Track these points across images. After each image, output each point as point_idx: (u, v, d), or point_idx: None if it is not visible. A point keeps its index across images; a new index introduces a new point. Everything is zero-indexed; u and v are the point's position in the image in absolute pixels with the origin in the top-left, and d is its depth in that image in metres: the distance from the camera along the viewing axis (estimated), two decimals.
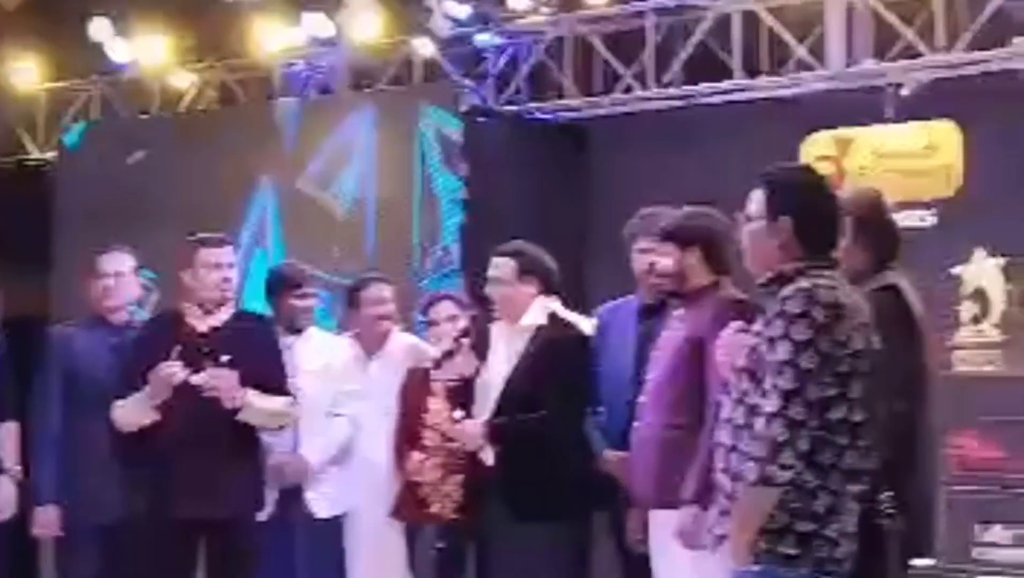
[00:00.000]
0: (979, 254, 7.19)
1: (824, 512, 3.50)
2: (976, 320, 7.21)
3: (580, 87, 8.36)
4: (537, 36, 8.44)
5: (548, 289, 5.21)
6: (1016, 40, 7.05)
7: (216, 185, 8.56)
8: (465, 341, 5.26)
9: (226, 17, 9.07)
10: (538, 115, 8.42)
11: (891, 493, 3.80)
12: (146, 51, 9.33)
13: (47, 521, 5.47)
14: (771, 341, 3.52)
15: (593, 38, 8.29)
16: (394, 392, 5.68)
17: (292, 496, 5.53)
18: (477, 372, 5.26)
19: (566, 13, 8.34)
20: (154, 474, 5.23)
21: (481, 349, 5.27)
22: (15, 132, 10.00)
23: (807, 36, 7.67)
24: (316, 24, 8.75)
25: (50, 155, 9.75)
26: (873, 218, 4.22)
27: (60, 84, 9.87)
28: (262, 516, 5.39)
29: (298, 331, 5.69)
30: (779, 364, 3.48)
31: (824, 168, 7.32)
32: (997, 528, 7.09)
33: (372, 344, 5.85)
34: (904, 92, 7.29)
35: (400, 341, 5.90)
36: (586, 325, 5.29)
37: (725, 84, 7.87)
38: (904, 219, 6.17)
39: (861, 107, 7.48)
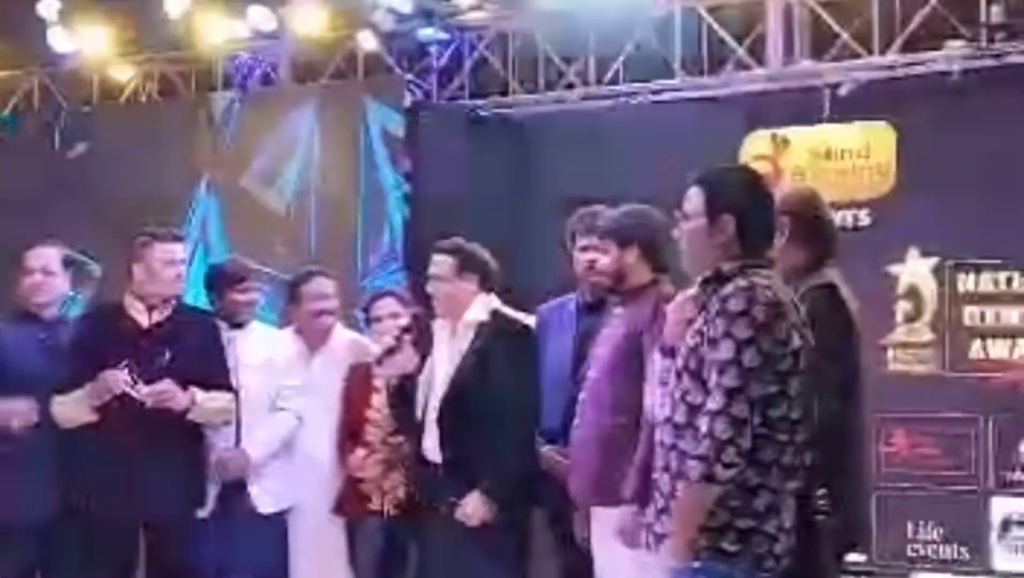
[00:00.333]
0: (913, 254, 7.28)
1: (764, 509, 3.56)
2: (910, 319, 7.30)
3: (523, 84, 8.40)
4: (481, 32, 8.47)
5: (488, 286, 5.22)
6: (949, 43, 7.16)
7: (157, 179, 8.52)
8: (407, 337, 5.27)
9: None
10: (481, 111, 8.45)
11: (826, 490, 3.86)
12: (88, 42, 9.26)
13: None
14: (712, 340, 3.56)
15: (536, 35, 8.33)
16: (337, 388, 5.70)
17: (234, 491, 5.51)
18: (419, 368, 5.27)
19: (509, 9, 8.37)
20: (93, 470, 5.21)
21: (423, 346, 5.28)
22: None
23: (747, 36, 7.75)
24: (259, 17, 8.72)
25: None
26: (810, 217, 4.27)
27: (0, 74, 9.78)
28: (204, 512, 5.39)
29: (240, 325, 5.68)
30: (721, 362, 3.53)
31: (762, 167, 7.41)
32: (930, 525, 7.20)
33: (314, 339, 5.85)
34: (841, 92, 7.38)
35: (343, 337, 5.91)
36: (527, 322, 5.32)
37: (665, 83, 7.94)
38: (840, 218, 6.29)
39: (799, 107, 7.57)
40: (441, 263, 5.19)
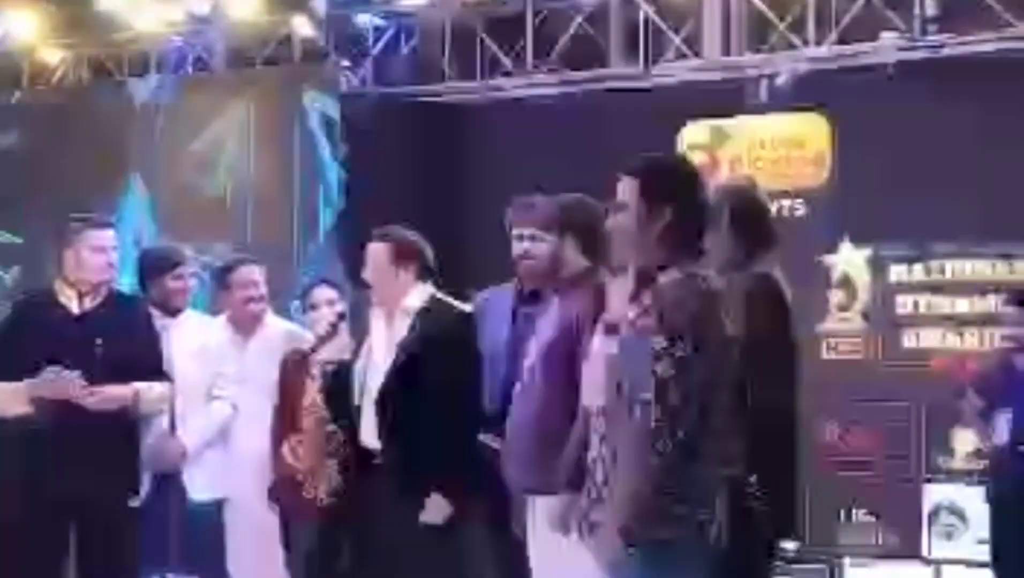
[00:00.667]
0: (847, 244, 7.36)
1: (695, 496, 3.57)
2: (843, 308, 7.38)
3: (460, 70, 8.38)
4: (418, 18, 8.44)
5: (425, 273, 5.21)
6: (884, 34, 7.23)
7: (87, 166, 8.44)
8: (343, 325, 5.26)
9: None
10: (418, 97, 8.42)
11: (759, 476, 3.88)
12: (17, 25, 9.13)
13: None
14: (647, 330, 3.56)
15: (474, 21, 8.31)
16: (271, 376, 5.66)
17: (169, 480, 5.46)
18: (355, 356, 5.25)
19: None
20: (25, 457, 5.15)
21: (359, 333, 5.27)
22: None
23: (684, 27, 7.78)
24: (194, 1, 8.64)
25: None
26: (747, 206, 4.29)
27: None
28: (137, 501, 5.35)
29: (174, 313, 5.63)
30: (656, 352, 3.52)
31: (698, 157, 7.48)
32: (861, 513, 7.27)
33: (245, 326, 5.81)
34: (777, 83, 7.43)
35: (276, 325, 5.88)
36: (466, 309, 5.31)
37: (603, 72, 7.96)
38: (775, 208, 6.33)
39: (735, 97, 7.62)
40: (378, 251, 5.16)
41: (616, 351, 3.69)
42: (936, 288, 7.23)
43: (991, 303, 6.98)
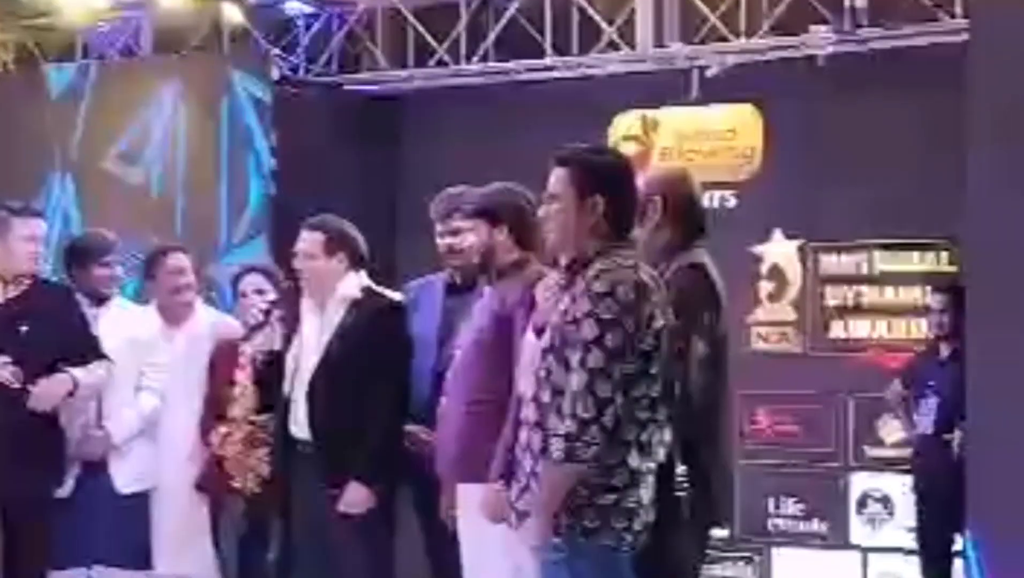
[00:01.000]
0: (777, 234, 7.41)
1: (623, 486, 3.60)
2: (773, 298, 7.43)
3: (393, 60, 8.35)
4: (349, 6, 8.39)
5: (357, 263, 5.20)
6: (813, 27, 7.28)
7: (11, 152, 8.33)
8: (275, 314, 5.23)
9: None
10: (350, 87, 8.38)
11: (688, 466, 3.90)
12: None
13: None
14: (576, 320, 3.58)
15: (406, 10, 8.28)
16: (200, 365, 5.63)
17: (95, 471, 5.41)
18: (286, 345, 5.22)
19: None
20: None
21: (290, 322, 5.24)
22: None
23: (616, 17, 7.80)
24: None
25: None
26: (681, 197, 4.30)
27: None
28: (63, 491, 5.29)
29: (102, 301, 5.57)
30: (585, 342, 3.55)
31: (631, 147, 7.50)
32: (791, 501, 7.34)
33: (174, 315, 5.76)
34: (709, 75, 7.47)
35: (205, 314, 5.84)
36: (398, 299, 5.30)
37: (536, 62, 7.95)
38: (707, 199, 6.34)
39: (667, 88, 7.65)
40: (310, 240, 5.14)
41: (546, 344, 3.69)
42: (865, 279, 7.30)
43: (918, 294, 7.05)
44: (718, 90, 7.48)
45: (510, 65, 8.01)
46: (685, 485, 3.88)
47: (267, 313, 5.27)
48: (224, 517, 5.59)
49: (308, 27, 8.44)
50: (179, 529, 5.57)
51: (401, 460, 5.01)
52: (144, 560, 5.49)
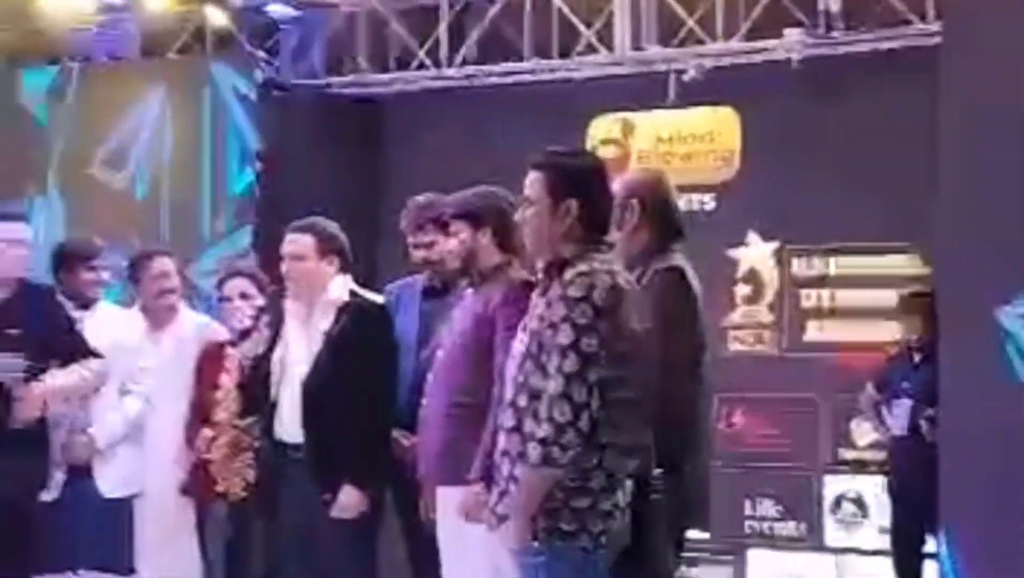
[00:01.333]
0: (754, 237, 7.46)
1: (599, 489, 3.63)
2: (749, 301, 7.48)
3: (374, 63, 8.39)
4: (331, 9, 8.43)
5: (345, 266, 5.21)
6: (788, 31, 7.34)
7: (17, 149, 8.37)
8: (264, 318, 5.21)
9: None
10: (332, 90, 8.42)
11: (664, 469, 3.94)
12: None
13: None
14: (552, 325, 3.61)
15: (387, 13, 8.32)
16: (185, 369, 5.64)
17: (80, 475, 5.43)
18: (271, 349, 5.23)
19: None
20: None
21: (275, 326, 5.24)
22: None
23: (595, 21, 7.85)
24: None
25: None
26: (658, 200, 4.35)
27: None
28: (48, 495, 5.31)
29: (87, 305, 5.58)
30: (562, 347, 3.58)
31: (608, 151, 7.56)
32: (767, 502, 7.38)
33: (159, 319, 5.78)
34: (686, 78, 7.51)
35: (190, 318, 5.85)
36: (382, 302, 5.32)
37: (515, 65, 8.00)
38: (684, 202, 6.41)
39: (645, 92, 7.70)
40: (300, 242, 5.11)
41: (523, 348, 3.74)
42: (840, 282, 7.35)
43: (893, 297, 7.11)
44: (696, 93, 7.52)
45: (490, 68, 8.06)
46: (661, 488, 3.93)
47: (256, 318, 5.26)
48: (210, 521, 5.60)
49: (292, 31, 8.48)
50: (164, 533, 5.56)
51: (389, 464, 5.03)
52: (129, 564, 5.49)
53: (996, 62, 5.73)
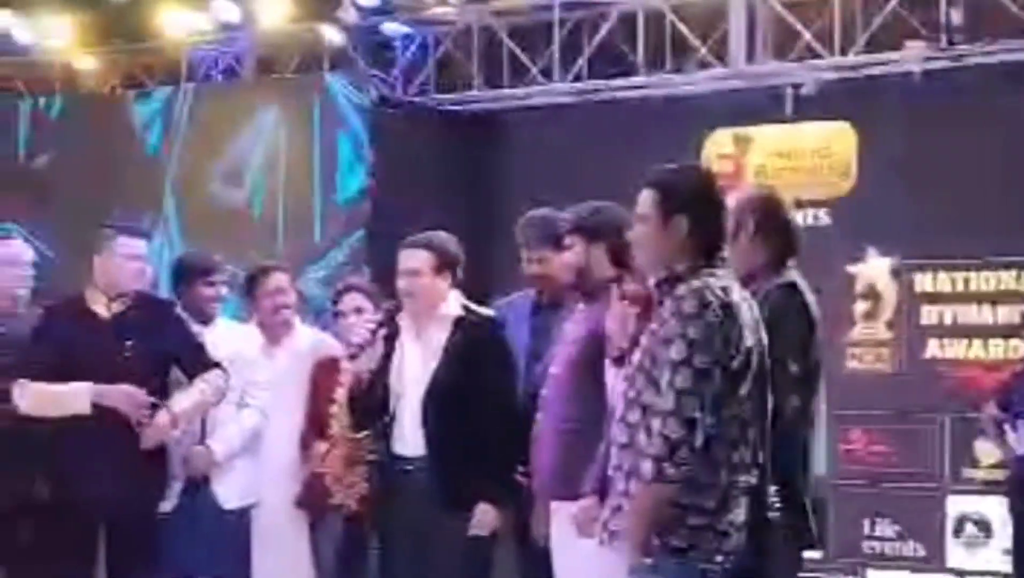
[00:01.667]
0: (872, 253, 7.36)
1: (715, 506, 3.60)
2: (868, 318, 7.37)
3: (487, 79, 8.42)
4: (445, 26, 8.49)
5: (458, 281, 5.22)
6: (908, 44, 7.24)
7: (119, 169, 8.53)
8: (381, 332, 5.22)
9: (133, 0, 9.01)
10: (445, 106, 8.47)
11: (780, 487, 3.89)
12: (50, 33, 9.23)
13: None
14: (666, 341, 3.59)
15: (501, 30, 8.36)
16: (300, 383, 5.68)
17: (199, 487, 5.47)
18: (385, 364, 5.22)
19: (474, 4, 8.39)
20: (56, 462, 5.21)
21: (390, 341, 5.24)
22: None
23: (710, 35, 7.81)
24: (224, 9, 8.71)
25: None
26: (773, 216, 4.29)
27: None
28: (167, 506, 5.38)
29: (205, 320, 5.64)
30: (674, 363, 3.55)
31: (723, 165, 7.50)
32: (886, 523, 7.26)
33: (274, 334, 5.82)
34: (803, 92, 7.44)
35: (305, 334, 5.89)
36: (495, 317, 5.32)
37: (629, 80, 7.99)
38: (800, 217, 6.32)
39: (761, 106, 7.64)
40: (418, 258, 5.08)
41: (635, 364, 3.72)
42: (961, 298, 7.22)
43: (1016, 313, 6.96)
44: (812, 107, 7.46)
45: (603, 83, 8.05)
46: (778, 506, 3.87)
47: (371, 332, 5.25)
48: (323, 533, 5.64)
49: (405, 48, 8.55)
50: (279, 545, 5.61)
51: (514, 481, 4.97)
52: (245, 575, 5.52)
53: None
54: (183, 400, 5.23)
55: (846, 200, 7.43)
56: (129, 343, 5.21)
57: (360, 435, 5.38)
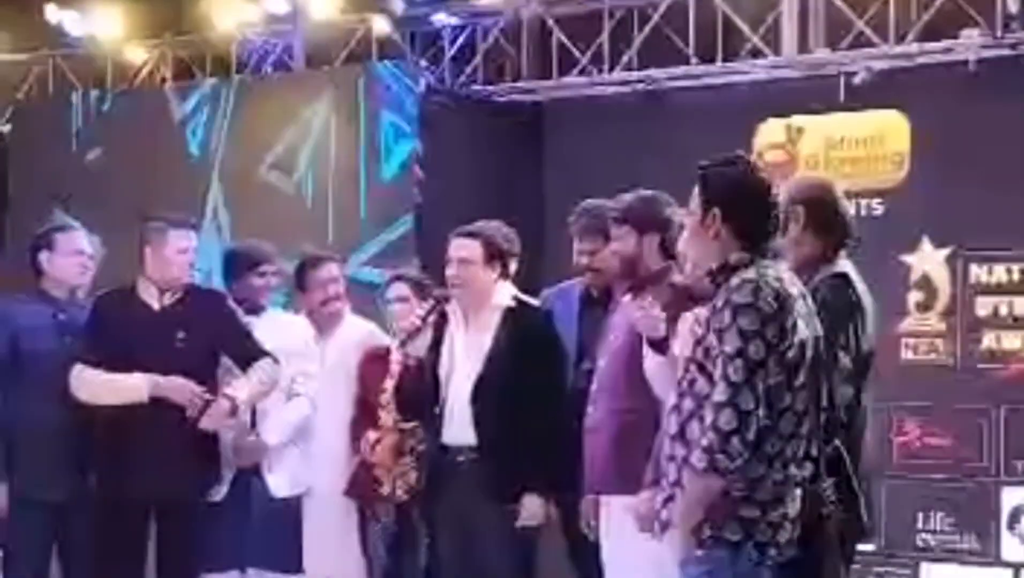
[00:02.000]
0: (926, 243, 7.28)
1: (768, 498, 3.58)
2: (922, 309, 7.30)
3: (536, 69, 8.40)
4: (494, 16, 8.48)
5: (507, 272, 5.22)
6: (964, 32, 7.15)
7: (171, 164, 8.58)
8: (430, 321, 5.23)
9: None
10: (494, 97, 8.46)
11: (834, 479, 3.86)
12: (101, 25, 9.29)
13: None
14: (719, 332, 3.57)
15: (550, 20, 8.33)
16: (349, 373, 5.71)
17: (249, 476, 5.50)
18: (435, 353, 5.22)
19: None
20: (107, 452, 5.26)
21: (439, 330, 5.25)
22: None
23: (761, 23, 7.75)
24: (273, 1, 8.74)
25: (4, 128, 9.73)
26: (824, 206, 4.26)
27: (13, 57, 9.81)
28: (218, 495, 5.41)
29: (257, 311, 5.66)
30: (727, 354, 3.54)
31: (775, 155, 7.45)
32: (941, 515, 7.19)
33: (324, 324, 5.84)
34: (856, 81, 7.38)
35: (355, 324, 5.90)
36: (544, 308, 5.31)
37: (679, 70, 7.94)
38: (853, 207, 6.26)
39: (813, 95, 7.58)
40: (468, 247, 5.11)
41: (688, 353, 3.70)
42: (1017, 289, 7.13)
43: None
44: (865, 96, 7.38)
45: (654, 73, 8.01)
46: (831, 499, 3.84)
47: (425, 320, 5.26)
48: (372, 522, 5.66)
49: (454, 38, 8.54)
50: (329, 534, 5.63)
51: (564, 472, 4.95)
52: (296, 563, 5.56)
53: None
54: (241, 388, 5.27)
55: (899, 190, 7.35)
56: (180, 335, 5.27)
57: (409, 425, 5.40)
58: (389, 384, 5.49)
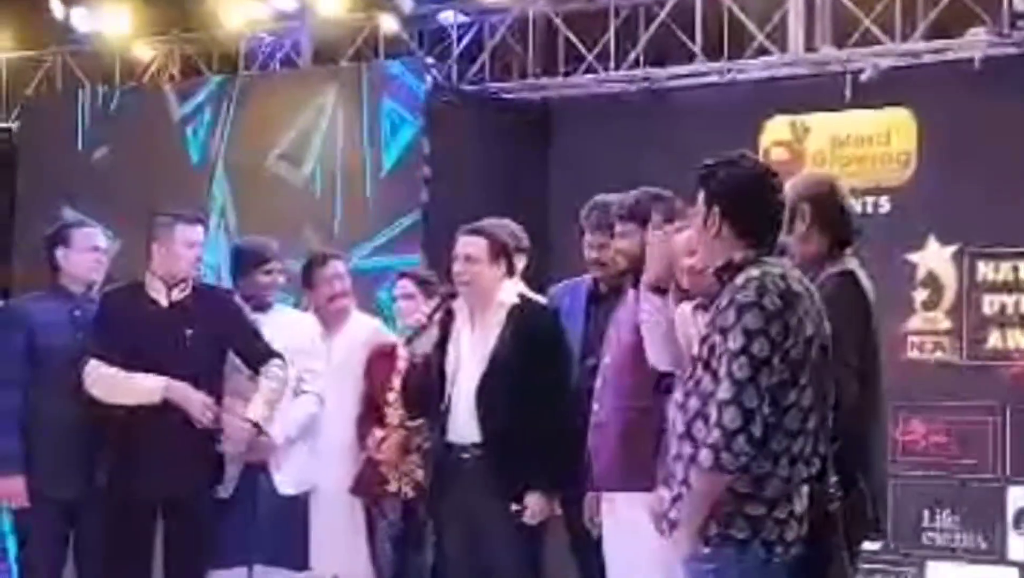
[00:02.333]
0: (932, 241, 7.28)
1: (774, 496, 3.57)
2: (928, 307, 7.29)
3: (543, 67, 8.41)
4: (501, 14, 8.48)
5: (513, 269, 5.23)
6: (971, 30, 7.15)
7: (177, 162, 8.59)
8: (436, 317, 5.24)
9: None
10: (501, 94, 8.46)
11: (839, 477, 3.86)
12: (109, 22, 9.31)
13: (12, 491, 5.42)
14: (723, 329, 3.57)
15: (557, 18, 8.34)
16: (356, 371, 5.71)
17: (256, 472, 5.51)
18: (441, 350, 5.23)
19: None
20: (118, 451, 5.27)
21: (445, 327, 5.26)
22: None
23: (768, 21, 7.75)
24: None
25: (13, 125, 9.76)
26: (830, 204, 4.25)
27: (22, 53, 9.83)
28: (225, 492, 5.42)
29: (263, 308, 5.67)
30: (732, 352, 3.53)
31: (781, 153, 7.45)
32: (945, 514, 7.19)
33: (331, 321, 5.85)
34: (862, 79, 7.38)
35: (362, 321, 5.91)
36: (549, 306, 5.31)
37: (686, 67, 7.95)
38: (859, 205, 6.29)
39: (819, 93, 7.57)
40: (474, 244, 5.12)
41: (693, 351, 3.70)
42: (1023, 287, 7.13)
43: None
44: (872, 94, 7.38)
45: (660, 70, 8.02)
46: (838, 496, 3.84)
47: (427, 317, 5.26)
48: (379, 519, 5.67)
49: (461, 36, 8.55)
50: (336, 531, 5.64)
51: (569, 469, 4.96)
52: (303, 560, 5.57)
53: None
54: (257, 406, 5.29)
55: (906, 188, 7.35)
56: (189, 332, 5.28)
57: (415, 423, 5.40)
58: (396, 382, 5.50)
